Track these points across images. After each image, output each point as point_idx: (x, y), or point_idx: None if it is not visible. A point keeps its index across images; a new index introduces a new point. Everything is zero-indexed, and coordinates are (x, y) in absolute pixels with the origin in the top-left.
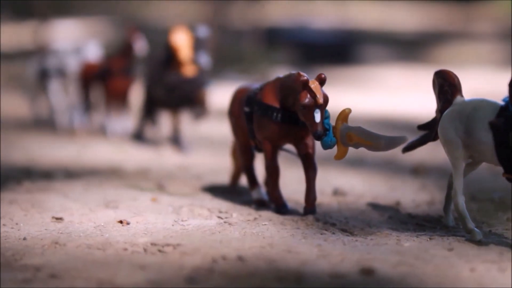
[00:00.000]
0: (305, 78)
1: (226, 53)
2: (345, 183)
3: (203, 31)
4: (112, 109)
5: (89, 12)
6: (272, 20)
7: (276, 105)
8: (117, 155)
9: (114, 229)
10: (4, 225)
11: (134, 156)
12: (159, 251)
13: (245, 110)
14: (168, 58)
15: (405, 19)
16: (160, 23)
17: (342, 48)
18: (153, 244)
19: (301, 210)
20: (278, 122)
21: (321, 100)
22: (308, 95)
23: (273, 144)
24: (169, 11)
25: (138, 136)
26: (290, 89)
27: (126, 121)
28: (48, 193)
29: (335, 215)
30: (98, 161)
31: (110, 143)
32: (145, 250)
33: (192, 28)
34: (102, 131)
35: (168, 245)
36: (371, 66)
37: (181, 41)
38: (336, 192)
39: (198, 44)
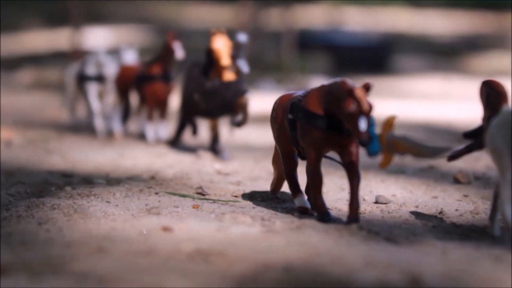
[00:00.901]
0: (350, 85)
1: (259, 60)
2: (386, 191)
3: (243, 37)
4: (152, 114)
5: (122, 20)
6: (305, 26)
7: (321, 112)
8: (156, 161)
9: (157, 236)
10: (47, 230)
11: (173, 162)
12: (204, 259)
13: (288, 117)
14: (207, 63)
15: (438, 27)
16: (193, 29)
17: (377, 52)
18: (197, 251)
19: (343, 218)
20: (322, 130)
21: (366, 108)
22: (353, 103)
23: (317, 152)
24: (200, 16)
25: (176, 143)
26: (335, 96)
27: (166, 127)
28: (89, 199)
29: (379, 224)
30: (138, 167)
31: (150, 148)
32: (189, 258)
33: (231, 33)
34: (141, 137)
35: (212, 253)
36: (406, 75)
37: (222, 46)
38: (378, 201)
39: (237, 50)
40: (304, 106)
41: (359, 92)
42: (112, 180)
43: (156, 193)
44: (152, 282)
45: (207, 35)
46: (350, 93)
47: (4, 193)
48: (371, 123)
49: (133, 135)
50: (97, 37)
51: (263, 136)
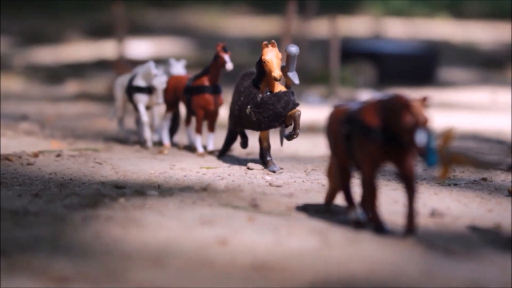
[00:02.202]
0: (407, 99)
1: (304, 72)
2: (440, 204)
3: (294, 49)
4: (201, 126)
5: (163, 31)
6: (347, 35)
7: (377, 125)
8: (207, 173)
9: (213, 249)
10: (104, 242)
11: (224, 174)
12: (261, 272)
13: (344, 129)
14: (258, 75)
15: (482, 38)
16: (235, 39)
17: (422, 62)
18: (254, 265)
19: (399, 231)
20: (378, 143)
21: (422, 121)
22: (410, 117)
23: (373, 164)
24: (241, 26)
25: (224, 154)
26: (391, 110)
27: (213, 139)
28: (143, 211)
29: (436, 237)
30: (189, 178)
31: (199, 160)
32: (246, 271)
33: (280, 44)
34: (190, 148)
35: (270, 266)
36: (452, 87)
37: (273, 58)
38: (434, 214)
39: (288, 62)
40: (360, 119)
41: (415, 106)
42: (164, 192)
43: (210, 205)
44: None
45: (249, 46)
46: (406, 106)
47: (59, 204)
48: (429, 135)
49: (184, 146)
50: (140, 49)
51: (312, 148)
